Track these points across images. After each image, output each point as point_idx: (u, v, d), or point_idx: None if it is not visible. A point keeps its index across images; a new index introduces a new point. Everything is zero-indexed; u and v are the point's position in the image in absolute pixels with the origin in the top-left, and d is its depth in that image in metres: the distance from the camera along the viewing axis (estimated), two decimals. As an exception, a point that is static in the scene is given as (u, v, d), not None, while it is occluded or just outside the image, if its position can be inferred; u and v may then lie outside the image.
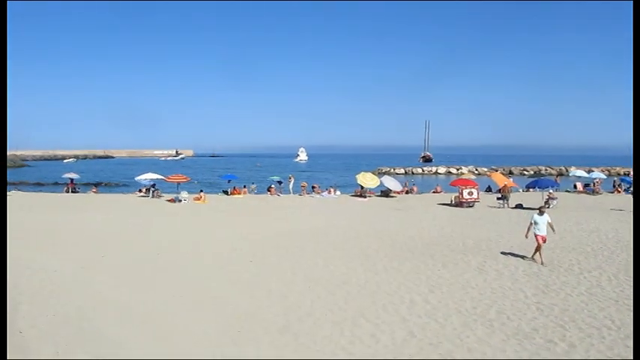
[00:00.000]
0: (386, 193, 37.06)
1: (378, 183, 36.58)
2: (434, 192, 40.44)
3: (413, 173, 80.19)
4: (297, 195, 38.54)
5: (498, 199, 31.03)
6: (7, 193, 36.54)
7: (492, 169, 76.07)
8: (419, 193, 40.54)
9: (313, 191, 39.27)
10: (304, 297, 11.04)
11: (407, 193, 39.42)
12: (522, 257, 15.01)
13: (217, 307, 10.26)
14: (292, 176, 43.57)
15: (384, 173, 64.09)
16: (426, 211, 28.22)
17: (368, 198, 35.80)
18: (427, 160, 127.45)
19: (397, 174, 74.22)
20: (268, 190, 39.59)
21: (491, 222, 23.32)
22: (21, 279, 12.15)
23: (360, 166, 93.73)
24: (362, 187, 36.80)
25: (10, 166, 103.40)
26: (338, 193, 38.90)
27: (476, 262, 14.63)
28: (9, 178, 42.81)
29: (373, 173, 42.67)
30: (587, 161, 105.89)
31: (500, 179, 35.23)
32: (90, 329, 8.83)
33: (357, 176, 37.54)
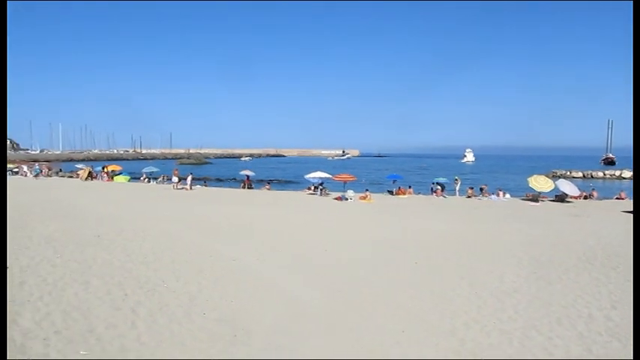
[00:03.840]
0: (561, 197, 34.58)
1: (553, 187, 34.22)
2: (617, 198, 36.88)
3: (592, 177, 74.00)
4: (463, 197, 37.53)
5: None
6: (193, 187, 40.43)
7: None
8: (599, 198, 37.20)
9: (481, 193, 37.93)
10: (470, 302, 10.74)
11: (585, 198, 36.45)
12: None
13: (381, 306, 10.36)
14: (458, 178, 42.56)
15: (559, 176, 60.14)
16: (607, 218, 25.82)
17: (541, 202, 33.70)
18: (609, 162, 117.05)
19: (574, 177, 68.97)
20: (434, 192, 39.08)
21: (689, 234, 20.61)
22: (205, 265, 13.37)
23: (532, 168, 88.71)
24: (535, 191, 34.74)
25: (194, 163, 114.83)
26: (507, 196, 37.17)
27: (668, 278, 13.08)
28: (195, 174, 47.14)
29: (547, 176, 40.15)
30: None
31: (700, 186, 31.01)
32: (265, 319, 9.42)
33: (528, 179, 35.48)
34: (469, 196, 37.22)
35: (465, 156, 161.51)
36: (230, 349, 7.89)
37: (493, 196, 36.55)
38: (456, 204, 33.01)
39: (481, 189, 38.91)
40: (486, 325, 9.34)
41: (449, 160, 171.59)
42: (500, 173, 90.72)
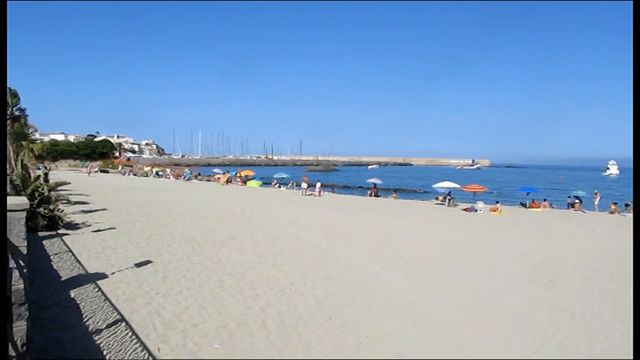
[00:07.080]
0: None
1: None
2: None
3: None
4: (604, 212, 34.75)
5: None
6: (322, 193, 41.29)
7: None
8: None
9: (626, 210, 34.88)
10: (613, 328, 9.90)
11: None
12: None
13: (513, 324, 9.91)
14: (598, 192, 39.58)
15: None
16: None
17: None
18: None
19: None
20: (571, 206, 36.67)
21: None
22: (331, 270, 13.62)
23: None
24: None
25: (322, 170, 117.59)
26: (660, 213, 33.81)
27: None
28: (323, 181, 48.19)
29: None
30: None
31: None
32: (390, 328, 9.37)
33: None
34: (612, 212, 34.38)
35: (608, 168, 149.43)
36: (355, 356, 7.94)
37: (641, 213, 33.47)
38: (595, 220, 30.61)
39: (626, 205, 35.77)
40: (630, 353, 8.56)
41: (588, 172, 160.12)
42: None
